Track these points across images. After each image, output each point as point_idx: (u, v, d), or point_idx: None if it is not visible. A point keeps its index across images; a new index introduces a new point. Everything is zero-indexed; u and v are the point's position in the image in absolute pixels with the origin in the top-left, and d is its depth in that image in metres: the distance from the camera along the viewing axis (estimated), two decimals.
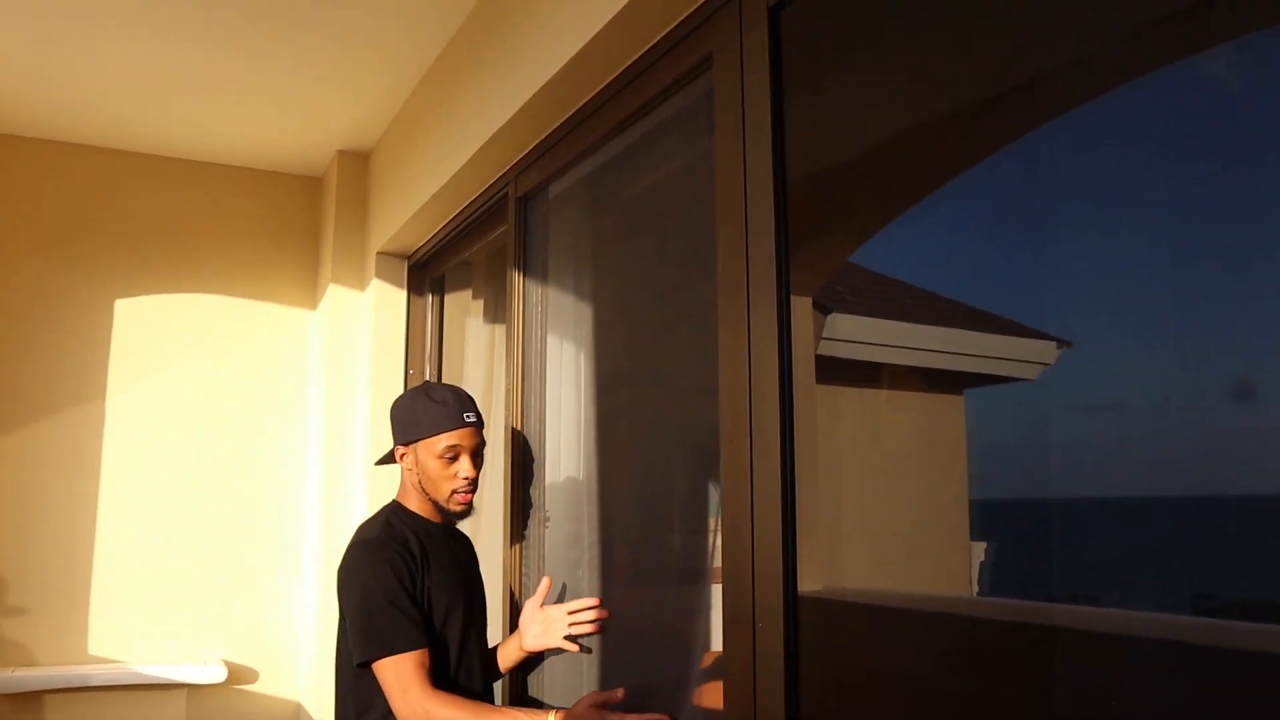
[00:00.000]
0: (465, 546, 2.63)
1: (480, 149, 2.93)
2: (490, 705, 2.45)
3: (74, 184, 4.20)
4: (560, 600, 2.59)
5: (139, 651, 4.05)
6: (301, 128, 4.04)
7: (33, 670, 3.83)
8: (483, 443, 2.49)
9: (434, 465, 2.41)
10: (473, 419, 2.44)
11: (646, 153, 2.52)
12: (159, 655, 4.07)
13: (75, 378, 4.10)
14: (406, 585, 2.31)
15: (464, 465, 2.41)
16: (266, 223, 4.51)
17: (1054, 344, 1.26)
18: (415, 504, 2.48)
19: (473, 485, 2.45)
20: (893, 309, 1.67)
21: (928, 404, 1.64)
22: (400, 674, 2.25)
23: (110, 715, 3.96)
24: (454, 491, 2.42)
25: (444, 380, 3.99)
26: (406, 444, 2.46)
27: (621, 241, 2.76)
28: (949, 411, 1.56)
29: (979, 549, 1.42)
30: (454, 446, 2.40)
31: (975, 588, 1.47)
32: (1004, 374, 1.43)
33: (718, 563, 1.86)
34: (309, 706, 4.08)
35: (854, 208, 1.77)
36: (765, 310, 1.72)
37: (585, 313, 2.89)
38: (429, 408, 2.43)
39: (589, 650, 2.46)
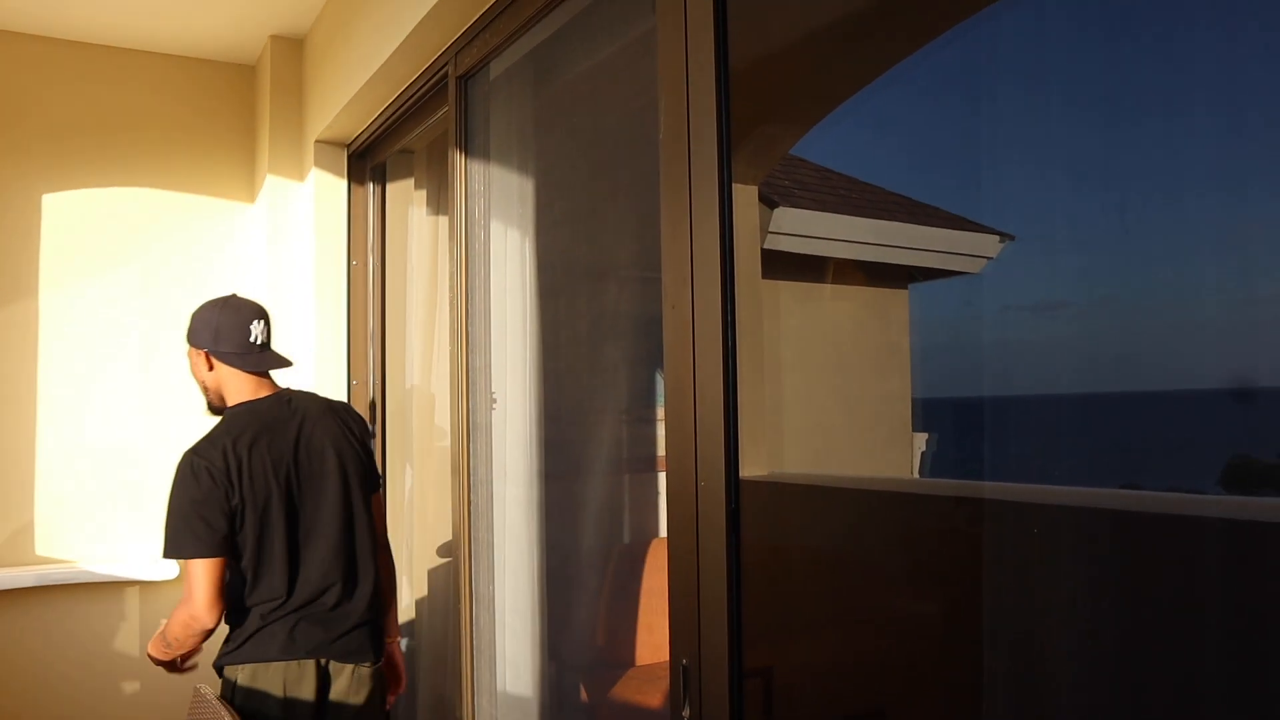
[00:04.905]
0: None
1: (417, 26, 2.82)
2: None
3: None
4: None
5: (88, 551, 4.04)
6: (232, 12, 3.86)
7: None
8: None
9: None
10: None
11: (589, 29, 2.45)
12: (109, 554, 4.06)
13: (5, 275, 3.97)
14: None
15: None
16: (200, 114, 4.34)
17: (996, 237, 1.25)
18: None
19: None
20: (839, 203, 1.65)
21: (874, 298, 1.63)
22: None
23: (64, 613, 3.97)
24: None
25: (389, 269, 3.94)
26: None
27: (565, 123, 2.70)
28: (895, 305, 1.56)
29: (920, 439, 1.43)
30: None
31: (916, 477, 1.49)
32: (947, 267, 1.42)
33: (664, 450, 1.87)
34: None
35: (797, 95, 1.73)
36: (708, 196, 1.69)
37: (529, 196, 2.84)
38: None
39: None
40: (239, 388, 2.68)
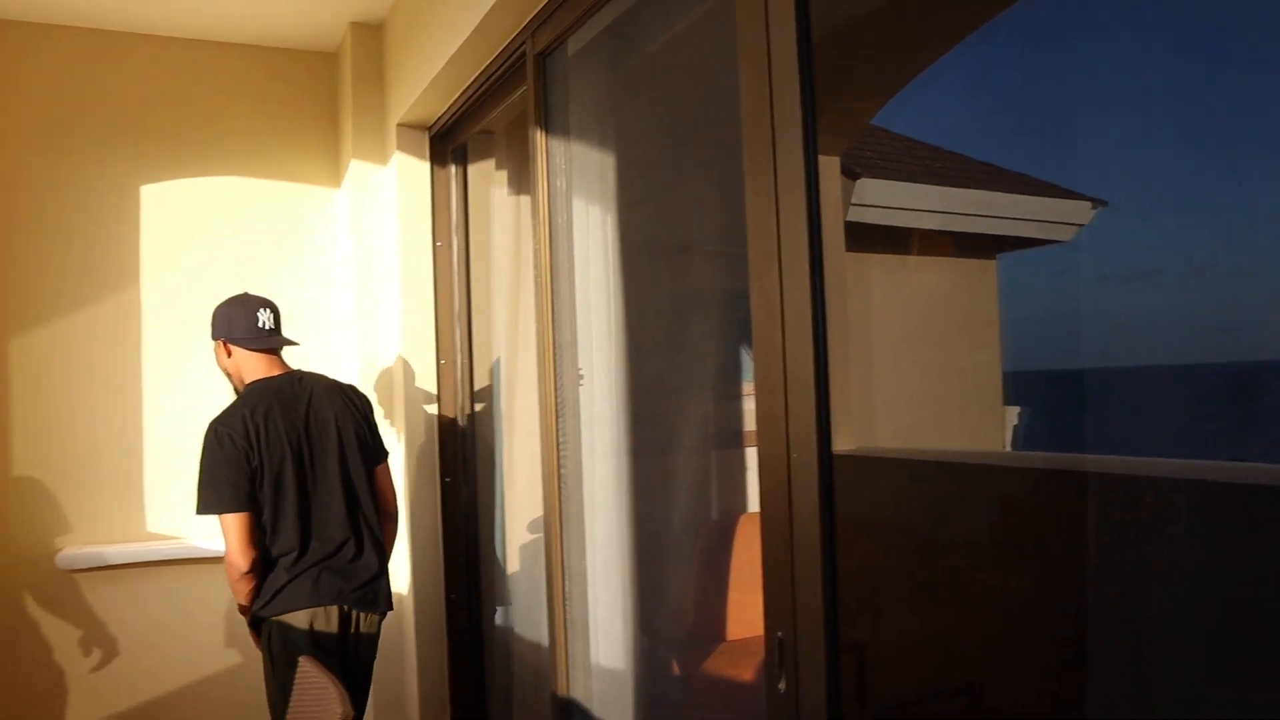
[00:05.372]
0: None
1: (494, 6, 2.83)
2: None
3: (93, 69, 4.14)
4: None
5: (194, 527, 4.19)
6: (312, 2, 3.92)
7: (95, 547, 4.00)
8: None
9: None
10: None
11: (666, 1, 2.42)
12: (212, 529, 4.19)
13: (109, 264, 4.13)
14: None
15: None
16: (285, 101, 4.44)
17: (1088, 204, 1.21)
18: None
19: None
20: (923, 172, 1.61)
21: (961, 269, 1.60)
22: None
23: (171, 588, 4.15)
24: None
25: (473, 248, 3.99)
26: None
27: (644, 97, 2.69)
28: (983, 275, 1.52)
29: (1012, 413, 1.40)
30: None
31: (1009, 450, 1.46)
32: (1037, 236, 1.39)
33: (751, 426, 1.86)
34: None
35: (880, 61, 1.69)
36: (792, 167, 1.67)
37: (610, 172, 2.83)
38: None
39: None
40: (254, 368, 3.09)
